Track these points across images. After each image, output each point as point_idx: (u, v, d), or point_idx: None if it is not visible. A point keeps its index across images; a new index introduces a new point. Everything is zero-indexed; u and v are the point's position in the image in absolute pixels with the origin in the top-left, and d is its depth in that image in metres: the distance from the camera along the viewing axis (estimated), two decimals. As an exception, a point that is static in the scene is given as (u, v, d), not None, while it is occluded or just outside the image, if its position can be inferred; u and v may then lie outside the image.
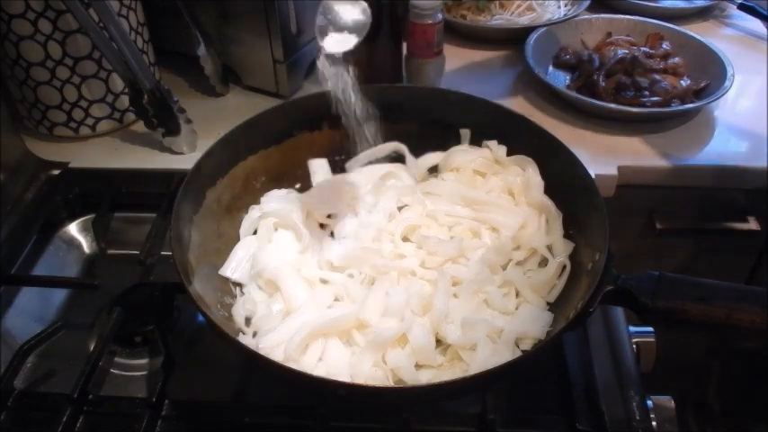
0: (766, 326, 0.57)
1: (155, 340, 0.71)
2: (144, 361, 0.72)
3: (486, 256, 0.71)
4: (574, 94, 0.99)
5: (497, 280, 0.70)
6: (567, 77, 1.07)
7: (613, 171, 0.90)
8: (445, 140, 0.81)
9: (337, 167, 0.83)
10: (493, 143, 0.79)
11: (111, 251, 0.86)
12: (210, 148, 0.73)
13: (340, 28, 0.66)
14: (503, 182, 0.78)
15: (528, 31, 1.10)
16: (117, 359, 0.72)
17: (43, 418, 0.64)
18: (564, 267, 0.70)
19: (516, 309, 0.68)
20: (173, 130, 0.92)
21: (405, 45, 1.01)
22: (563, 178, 0.73)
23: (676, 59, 1.04)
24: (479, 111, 0.80)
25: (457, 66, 1.11)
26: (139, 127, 0.95)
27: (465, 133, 0.81)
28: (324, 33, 0.66)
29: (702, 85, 1.01)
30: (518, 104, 1.02)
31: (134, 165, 0.93)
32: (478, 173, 0.79)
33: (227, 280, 0.72)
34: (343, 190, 0.79)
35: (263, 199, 0.79)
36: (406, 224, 0.75)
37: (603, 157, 0.92)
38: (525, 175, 0.77)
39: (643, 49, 1.05)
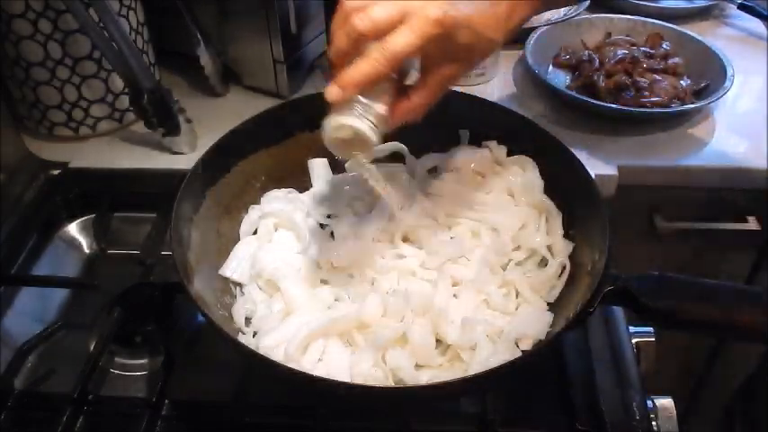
0: (766, 326, 0.57)
1: (155, 340, 0.71)
2: (144, 361, 0.72)
3: (486, 256, 0.71)
4: (574, 94, 0.99)
5: (497, 280, 0.70)
6: (567, 77, 1.07)
7: (613, 171, 0.90)
8: (445, 140, 0.81)
9: (337, 167, 0.83)
10: (493, 143, 0.79)
11: (111, 251, 0.86)
12: (211, 147, 0.73)
13: None
14: (503, 182, 0.78)
15: (528, 31, 1.10)
16: (117, 359, 0.72)
17: (43, 418, 0.64)
18: (564, 267, 0.70)
19: (516, 309, 0.68)
20: (173, 130, 0.92)
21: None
22: (563, 178, 0.73)
23: (676, 59, 1.04)
24: (479, 111, 0.80)
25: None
26: (139, 127, 0.95)
27: (464, 134, 0.81)
28: None
29: (702, 85, 1.01)
30: (518, 104, 1.02)
31: (134, 165, 0.93)
32: (478, 173, 0.79)
33: (227, 280, 0.72)
34: (344, 190, 0.80)
35: (263, 199, 0.79)
36: (406, 224, 0.75)
37: (603, 157, 0.92)
38: (525, 175, 0.77)
39: (643, 49, 1.05)
